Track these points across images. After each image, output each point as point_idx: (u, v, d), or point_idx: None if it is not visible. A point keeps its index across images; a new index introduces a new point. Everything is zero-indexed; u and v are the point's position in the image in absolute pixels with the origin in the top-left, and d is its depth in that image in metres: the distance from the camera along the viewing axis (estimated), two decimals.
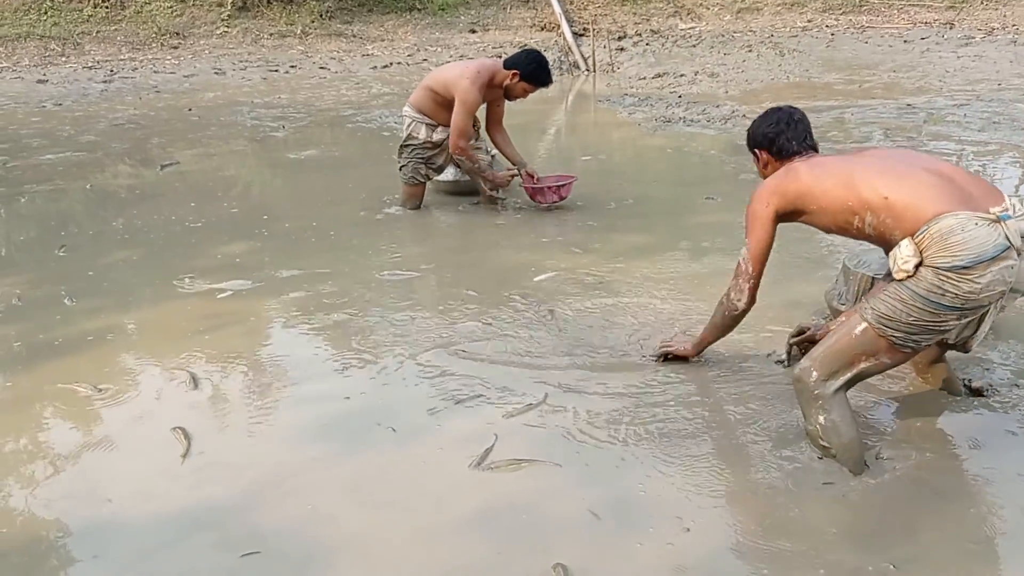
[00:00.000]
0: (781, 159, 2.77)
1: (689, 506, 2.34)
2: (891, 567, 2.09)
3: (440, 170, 5.32)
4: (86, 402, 3.02)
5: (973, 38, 12.73)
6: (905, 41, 12.30)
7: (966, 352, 2.61)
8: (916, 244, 2.30)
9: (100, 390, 3.09)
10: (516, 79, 4.86)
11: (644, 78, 11.15)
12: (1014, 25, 13.64)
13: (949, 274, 2.25)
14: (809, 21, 14.39)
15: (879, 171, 2.45)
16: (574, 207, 5.31)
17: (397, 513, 2.36)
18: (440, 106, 5.02)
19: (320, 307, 3.80)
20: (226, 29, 13.85)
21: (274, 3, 14.40)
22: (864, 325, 2.39)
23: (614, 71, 12.08)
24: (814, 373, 2.45)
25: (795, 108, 2.86)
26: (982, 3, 14.91)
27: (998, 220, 2.27)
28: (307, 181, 6.47)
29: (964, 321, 2.37)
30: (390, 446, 2.69)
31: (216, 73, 11.93)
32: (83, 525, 2.36)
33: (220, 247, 4.72)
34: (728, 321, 2.88)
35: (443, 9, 15.20)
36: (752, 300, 2.78)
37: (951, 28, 13.58)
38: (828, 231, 2.63)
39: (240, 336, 3.54)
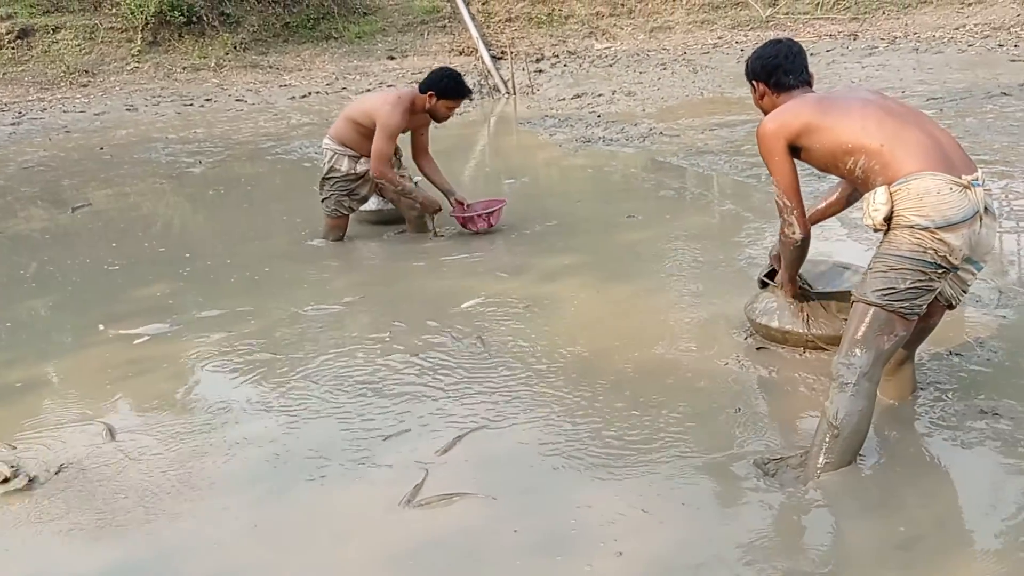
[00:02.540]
0: (778, 91, 2.85)
1: (622, 530, 2.34)
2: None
3: (364, 200, 5.28)
4: None
5: (877, 47, 13.22)
6: (811, 54, 12.62)
7: (952, 308, 2.75)
8: (891, 194, 2.44)
9: (14, 447, 2.96)
10: (435, 99, 4.85)
11: (563, 99, 11.28)
12: (915, 33, 14.20)
13: (923, 233, 2.40)
14: (719, 38, 14.77)
15: (879, 120, 2.55)
16: (500, 231, 5.32)
17: (327, 559, 2.31)
18: (363, 137, 4.97)
19: (242, 348, 3.72)
20: (137, 64, 13.58)
21: (186, 36, 14.17)
22: (873, 309, 2.47)
23: (534, 93, 12.19)
24: (843, 363, 2.49)
25: (794, 41, 2.92)
26: (884, 13, 15.50)
27: (969, 187, 2.43)
28: (227, 216, 6.35)
29: (945, 282, 2.51)
30: (317, 489, 2.63)
31: (128, 110, 11.67)
32: None
33: (139, 289, 4.60)
34: (797, 252, 2.92)
35: (360, 37, 15.16)
36: (805, 226, 2.82)
37: (855, 39, 14.08)
38: (820, 168, 2.72)
39: (159, 383, 3.43)
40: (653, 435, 2.81)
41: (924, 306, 2.51)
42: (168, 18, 13.85)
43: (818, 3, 15.64)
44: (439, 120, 4.99)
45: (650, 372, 3.25)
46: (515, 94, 12.38)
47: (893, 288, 2.45)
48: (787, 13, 15.40)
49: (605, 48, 14.46)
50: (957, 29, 13.80)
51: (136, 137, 9.93)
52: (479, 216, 5.16)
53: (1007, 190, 5.63)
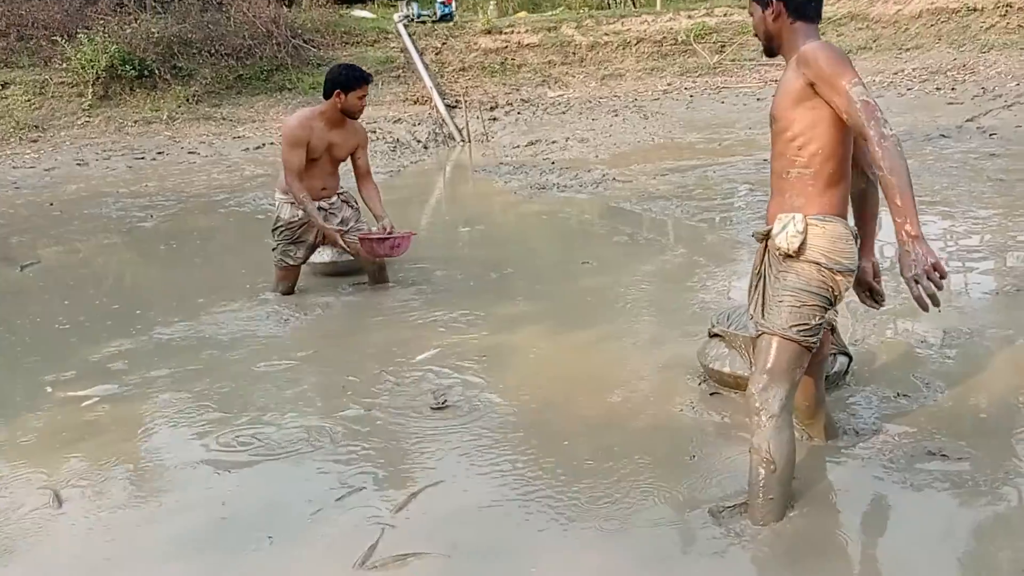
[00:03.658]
0: (795, 18, 2.62)
1: None
2: None
3: (313, 248, 5.20)
4: None
5: None
6: (758, 99, 13.00)
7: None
8: (808, 226, 2.47)
9: None
10: (343, 96, 4.84)
11: (518, 146, 11.40)
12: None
13: (827, 272, 2.49)
14: (669, 84, 15.06)
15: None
16: (455, 280, 5.33)
17: None
18: None
19: (193, 408, 3.65)
20: (88, 119, 13.45)
21: (137, 90, 14.09)
22: (785, 343, 2.52)
23: (488, 141, 12.31)
24: (762, 397, 2.53)
25: None
26: None
27: (857, 238, 2.58)
28: (178, 272, 6.29)
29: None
30: (269, 554, 2.57)
31: (78, 164, 11.54)
32: None
33: (89, 349, 4.51)
34: (902, 152, 2.36)
35: (314, 88, 15.17)
36: None
37: None
38: (802, 141, 2.50)
39: (108, 446, 3.36)
40: (609, 487, 2.81)
41: (818, 342, 2.60)
42: (119, 72, 13.77)
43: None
44: (353, 114, 4.94)
45: (607, 422, 3.26)
46: (470, 142, 12.50)
47: (807, 324, 2.51)
48: (734, 60, 15.76)
49: (558, 96, 14.67)
50: (896, 74, 14.22)
51: (87, 192, 9.82)
52: (375, 241, 4.92)
53: (949, 231, 5.79)
